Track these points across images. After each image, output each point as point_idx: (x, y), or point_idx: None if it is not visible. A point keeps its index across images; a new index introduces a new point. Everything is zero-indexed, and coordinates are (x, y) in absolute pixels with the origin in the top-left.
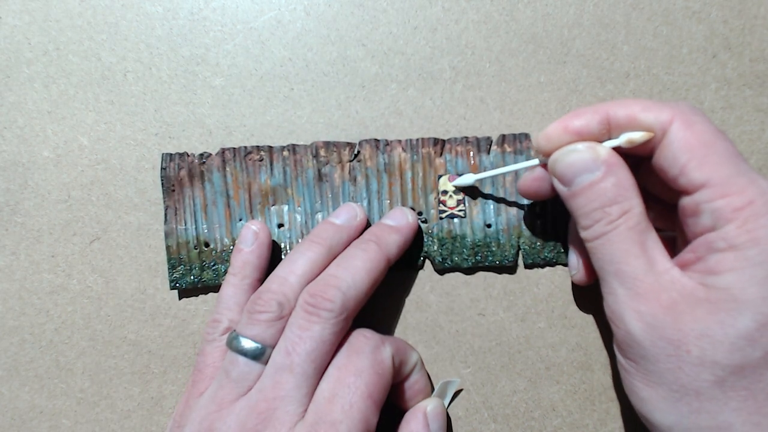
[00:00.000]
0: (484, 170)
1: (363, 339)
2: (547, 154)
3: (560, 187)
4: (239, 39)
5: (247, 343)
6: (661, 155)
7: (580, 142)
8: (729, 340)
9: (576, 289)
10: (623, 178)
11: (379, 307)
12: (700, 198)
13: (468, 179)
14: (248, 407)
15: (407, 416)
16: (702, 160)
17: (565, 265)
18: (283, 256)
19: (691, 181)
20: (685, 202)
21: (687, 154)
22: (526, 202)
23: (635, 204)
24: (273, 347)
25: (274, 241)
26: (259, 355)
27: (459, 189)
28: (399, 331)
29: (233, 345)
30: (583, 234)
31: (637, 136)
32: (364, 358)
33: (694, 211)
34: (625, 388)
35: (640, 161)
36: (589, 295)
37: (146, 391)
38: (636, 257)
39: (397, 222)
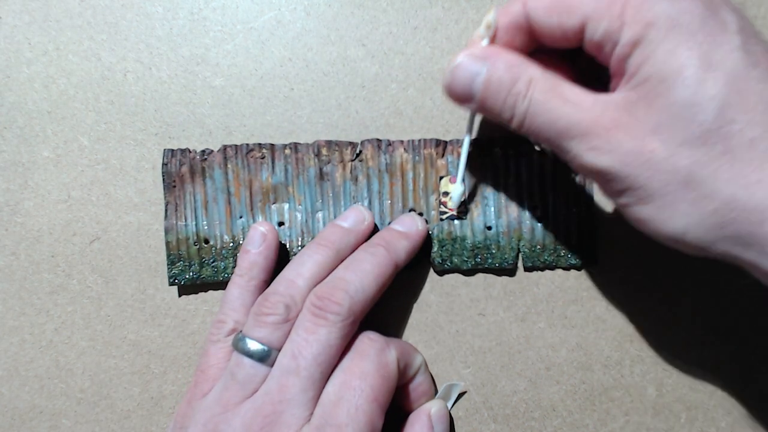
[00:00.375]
0: (486, 172)
1: (368, 342)
2: None
3: (470, 107)
4: (239, 39)
5: (254, 345)
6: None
7: (454, 57)
8: (679, 117)
9: (576, 289)
10: (508, 57)
11: (384, 309)
12: (595, 31)
13: (456, 192)
14: (254, 410)
15: (411, 418)
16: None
17: (565, 268)
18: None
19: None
20: (588, 45)
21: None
22: (527, 204)
23: (532, 70)
24: (279, 350)
25: (280, 243)
26: (265, 358)
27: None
28: (399, 331)
29: (239, 346)
30: (515, 127)
31: (491, 17)
32: (369, 361)
33: (598, 44)
34: (635, 225)
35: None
36: (589, 295)
37: (146, 391)
38: (562, 108)
39: (407, 228)
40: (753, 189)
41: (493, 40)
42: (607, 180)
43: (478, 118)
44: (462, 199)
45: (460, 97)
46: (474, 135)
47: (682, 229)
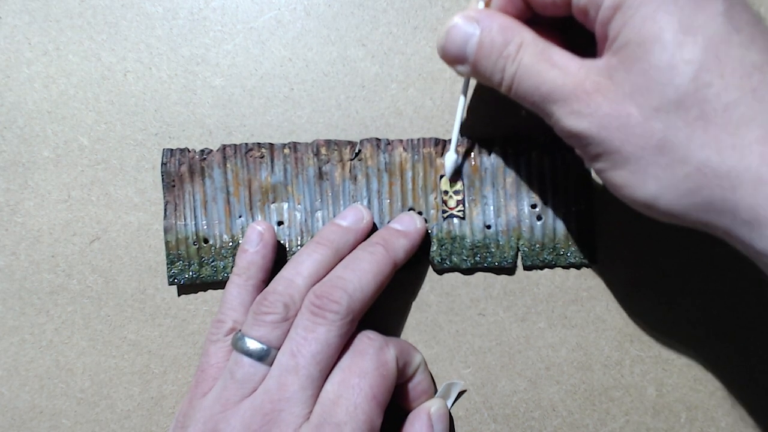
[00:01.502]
0: (485, 171)
1: (367, 341)
2: None
3: (463, 70)
4: (239, 39)
5: (253, 344)
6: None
7: (450, 19)
8: (655, 81)
9: (576, 289)
10: (501, 20)
11: (383, 308)
12: None
13: (450, 160)
14: (253, 408)
15: (411, 417)
16: None
17: (565, 267)
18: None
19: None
20: (575, 11)
21: None
22: (526, 203)
23: (525, 34)
24: (278, 348)
25: (278, 242)
26: (265, 357)
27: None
28: (399, 330)
29: (238, 346)
30: (504, 90)
31: None
32: (368, 360)
33: (583, 9)
34: (611, 191)
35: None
36: (589, 295)
37: (146, 391)
38: (549, 72)
39: (406, 227)
40: (726, 154)
41: (488, 3)
42: (584, 144)
43: (473, 84)
44: (455, 167)
45: (454, 58)
46: (468, 99)
47: (654, 194)
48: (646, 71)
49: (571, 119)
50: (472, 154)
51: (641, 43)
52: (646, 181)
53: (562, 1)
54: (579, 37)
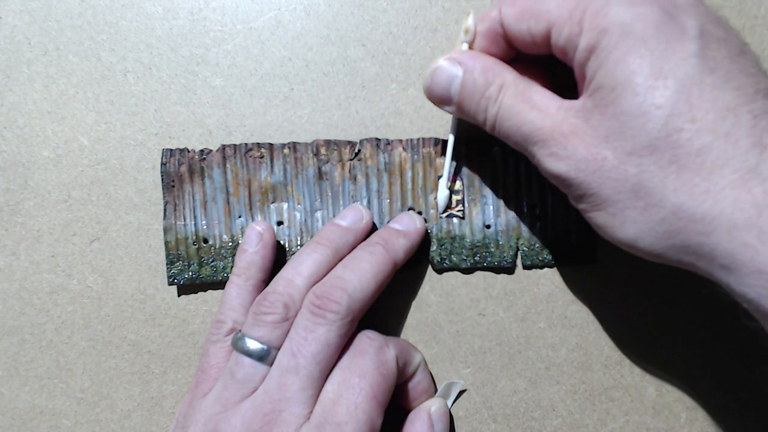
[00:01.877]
0: (485, 171)
1: (367, 340)
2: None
3: (449, 110)
4: (239, 39)
5: (253, 344)
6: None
7: (435, 61)
8: (628, 125)
9: (576, 289)
10: (483, 62)
11: (383, 308)
12: (559, 37)
13: (442, 195)
14: (253, 408)
15: (411, 416)
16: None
17: (564, 267)
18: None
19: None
20: (555, 51)
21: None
22: (526, 202)
23: (506, 75)
24: (278, 348)
25: (278, 242)
26: (265, 357)
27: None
28: (399, 330)
29: (238, 346)
30: (489, 130)
31: (469, 22)
32: (368, 360)
33: (562, 49)
34: (595, 230)
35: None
36: (589, 295)
37: (146, 391)
38: (528, 113)
39: (405, 227)
40: (700, 199)
41: (471, 44)
42: (565, 185)
43: (462, 120)
44: (447, 203)
45: (439, 99)
46: (456, 136)
47: (633, 237)
48: (618, 116)
49: (550, 161)
50: (472, 154)
51: (614, 87)
52: (625, 223)
53: (542, 41)
54: (563, 74)
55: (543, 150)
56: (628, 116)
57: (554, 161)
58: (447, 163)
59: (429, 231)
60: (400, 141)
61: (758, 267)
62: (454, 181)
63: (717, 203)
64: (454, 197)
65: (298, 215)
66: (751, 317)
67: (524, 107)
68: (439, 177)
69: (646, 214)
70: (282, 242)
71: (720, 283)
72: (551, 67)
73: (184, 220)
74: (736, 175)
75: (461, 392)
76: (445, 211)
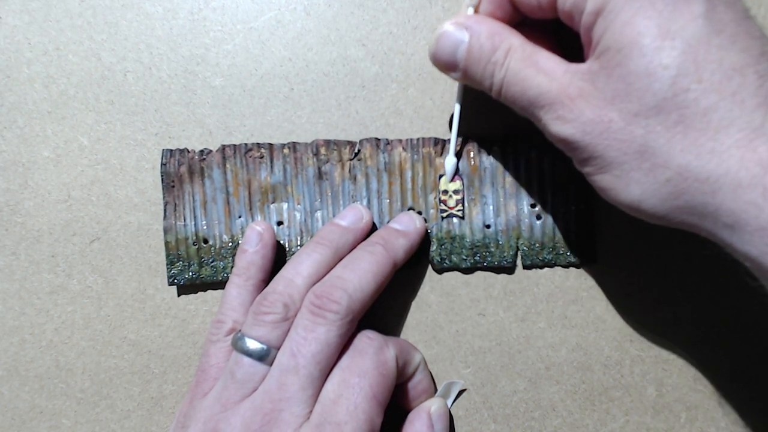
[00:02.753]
0: (484, 171)
1: (367, 340)
2: None
3: (455, 76)
4: (239, 39)
5: (253, 344)
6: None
7: (440, 25)
8: (634, 86)
9: (576, 289)
10: (490, 26)
11: (383, 308)
12: (565, 0)
13: (449, 164)
14: (253, 408)
15: (411, 416)
16: None
17: (564, 266)
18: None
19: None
20: (561, 15)
21: None
22: (526, 202)
23: (513, 39)
24: (278, 348)
25: (278, 242)
26: (264, 356)
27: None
28: (398, 330)
29: (238, 346)
30: (494, 95)
31: None
32: (368, 360)
33: (568, 13)
34: (599, 194)
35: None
36: (589, 295)
37: (146, 391)
38: (535, 78)
39: (405, 226)
40: (706, 159)
41: (477, 8)
42: (571, 149)
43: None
44: (455, 171)
45: (445, 64)
46: (462, 104)
47: (638, 198)
48: (625, 77)
49: (556, 124)
50: (471, 153)
51: (621, 48)
52: (630, 185)
53: (548, 5)
54: (569, 39)
55: (549, 114)
56: (635, 77)
57: (561, 124)
58: (453, 133)
59: (429, 231)
60: (400, 141)
61: (762, 225)
62: (453, 180)
63: (722, 162)
64: (455, 197)
65: (298, 215)
66: (753, 277)
67: (531, 71)
68: (440, 176)
69: (652, 175)
70: (282, 242)
71: (723, 243)
72: (557, 31)
73: (184, 220)
74: (741, 135)
75: (461, 392)
76: (445, 212)
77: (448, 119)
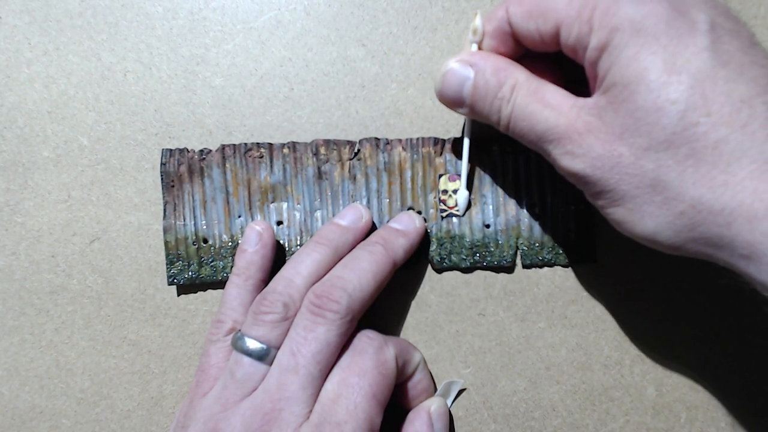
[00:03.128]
0: (484, 170)
1: (366, 340)
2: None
3: (462, 112)
4: (239, 39)
5: (252, 344)
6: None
7: (445, 63)
8: (643, 121)
9: (576, 289)
10: (494, 62)
11: (383, 307)
12: (568, 36)
13: (462, 197)
14: (253, 408)
15: (411, 416)
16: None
17: (564, 266)
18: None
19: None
20: (565, 50)
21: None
22: (525, 202)
23: (518, 74)
24: (278, 348)
25: (278, 242)
26: (264, 356)
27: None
28: (398, 330)
29: (238, 345)
30: (503, 130)
31: (476, 22)
32: (367, 359)
33: (572, 48)
34: (613, 226)
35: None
36: (589, 295)
37: (146, 391)
38: (542, 113)
39: (405, 226)
40: (719, 191)
41: (480, 45)
42: (583, 183)
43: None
44: (467, 205)
45: (452, 101)
46: (471, 138)
47: (652, 231)
48: (633, 112)
49: (566, 159)
50: (472, 153)
51: (627, 84)
52: (644, 218)
53: (551, 39)
54: (573, 70)
55: (558, 148)
56: (643, 112)
57: (570, 159)
58: (464, 166)
59: (428, 230)
60: (400, 141)
61: None
62: (453, 180)
63: (736, 195)
64: (454, 197)
65: (297, 215)
66: None
67: (538, 106)
68: (440, 176)
69: (665, 208)
70: (281, 242)
71: (741, 272)
72: (561, 62)
73: (184, 220)
74: (754, 166)
75: (461, 391)
76: (444, 212)
77: (447, 119)
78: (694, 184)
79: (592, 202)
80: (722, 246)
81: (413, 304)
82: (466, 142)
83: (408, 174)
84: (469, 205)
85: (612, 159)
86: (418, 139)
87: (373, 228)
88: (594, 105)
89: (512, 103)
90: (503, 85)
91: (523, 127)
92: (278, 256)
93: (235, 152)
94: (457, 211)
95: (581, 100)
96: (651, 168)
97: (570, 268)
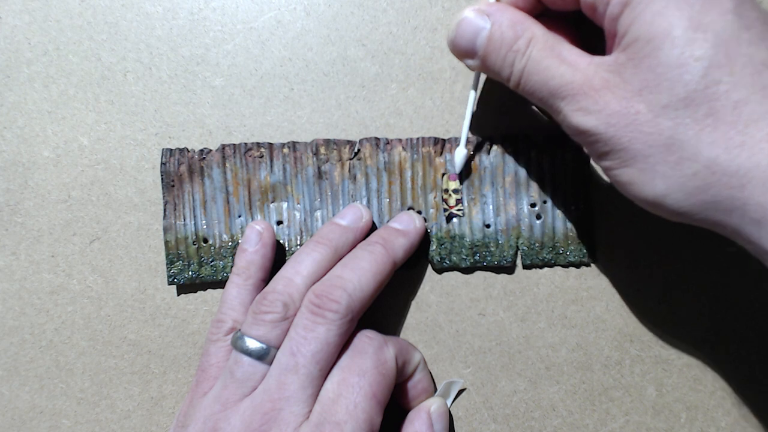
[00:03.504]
0: (484, 170)
1: (366, 340)
2: None
3: (472, 64)
4: (239, 39)
5: (252, 344)
6: None
7: (461, 12)
8: (665, 77)
9: (576, 289)
10: (512, 15)
11: (382, 307)
12: None
13: (459, 155)
14: (253, 407)
15: (411, 416)
16: None
17: (564, 266)
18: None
19: None
20: (584, 7)
21: None
22: (526, 201)
23: (535, 29)
24: (278, 348)
25: (278, 242)
26: (264, 356)
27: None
28: (398, 330)
29: (238, 345)
30: (512, 85)
31: None
32: (367, 359)
33: (591, 4)
34: (618, 188)
35: None
36: (589, 295)
37: (146, 391)
38: (558, 68)
39: (405, 226)
40: (735, 152)
41: None
42: (592, 141)
43: (483, 77)
44: (465, 162)
45: (464, 51)
46: (479, 93)
47: (662, 192)
48: (655, 68)
49: (578, 116)
50: (472, 153)
51: (650, 39)
52: (654, 179)
53: None
54: (590, 32)
55: (571, 105)
56: (666, 68)
57: (583, 116)
58: (466, 123)
59: (428, 230)
60: (400, 140)
61: None
62: (454, 180)
63: (752, 156)
64: (454, 196)
65: (297, 214)
66: None
67: (553, 61)
68: (443, 174)
69: (678, 168)
70: (281, 241)
71: (748, 240)
72: (577, 23)
73: (184, 219)
74: None
75: (461, 391)
76: (446, 211)
77: (448, 119)
78: (711, 144)
79: (597, 163)
80: (733, 210)
81: (413, 304)
82: (472, 95)
83: (408, 174)
84: (468, 171)
85: (628, 116)
86: (418, 139)
87: (373, 228)
88: (613, 62)
89: (527, 57)
90: (519, 38)
91: (536, 82)
92: (278, 256)
93: (235, 152)
94: (459, 211)
95: (599, 58)
96: (668, 126)
97: (570, 268)
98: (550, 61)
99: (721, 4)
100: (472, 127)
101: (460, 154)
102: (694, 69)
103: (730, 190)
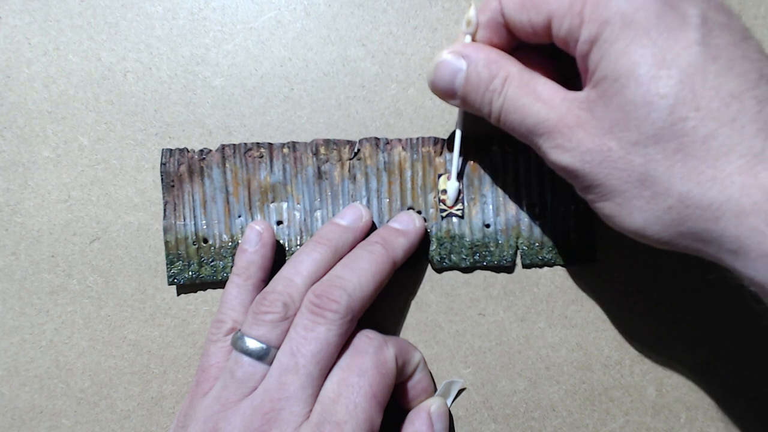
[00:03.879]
0: (484, 170)
1: (366, 339)
2: None
3: (454, 103)
4: (239, 39)
5: (252, 344)
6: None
7: (439, 54)
8: (632, 116)
9: (576, 289)
10: (487, 54)
11: (382, 307)
12: (559, 28)
13: (452, 188)
14: (253, 407)
15: (411, 416)
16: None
17: (564, 266)
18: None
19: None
20: (556, 42)
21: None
22: (525, 201)
23: (510, 67)
24: (278, 348)
25: (277, 242)
26: (264, 356)
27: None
28: (398, 330)
29: (238, 345)
30: (494, 122)
31: (470, 13)
32: (367, 359)
33: (563, 40)
34: (603, 220)
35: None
36: (589, 295)
37: (146, 391)
38: (533, 106)
39: (404, 226)
40: (707, 186)
41: (474, 36)
42: (572, 177)
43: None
44: (458, 195)
45: (444, 92)
46: (463, 130)
47: (641, 225)
48: (623, 106)
49: (556, 153)
50: (471, 153)
51: (617, 78)
52: (632, 213)
53: (543, 32)
54: (568, 63)
55: (548, 142)
56: (632, 107)
57: (560, 153)
58: (455, 157)
59: (428, 230)
60: (400, 140)
61: (766, 251)
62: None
63: (724, 189)
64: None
65: (297, 215)
66: (758, 300)
67: (529, 99)
68: (440, 175)
69: (653, 202)
70: (281, 242)
71: (728, 267)
72: (554, 54)
73: (184, 219)
74: (742, 161)
75: (461, 391)
76: (444, 211)
77: (448, 119)
78: (683, 178)
79: (581, 196)
80: (710, 241)
81: (413, 304)
82: (458, 133)
83: (408, 174)
84: (459, 197)
85: (601, 153)
86: (418, 138)
87: (373, 228)
88: (584, 99)
89: (503, 96)
90: (495, 78)
91: (514, 120)
92: (278, 256)
93: (235, 152)
94: (458, 211)
95: (572, 94)
96: (639, 162)
97: (570, 268)
98: (525, 100)
99: (686, 36)
100: (471, 128)
101: (453, 186)
102: (660, 107)
103: (705, 222)
